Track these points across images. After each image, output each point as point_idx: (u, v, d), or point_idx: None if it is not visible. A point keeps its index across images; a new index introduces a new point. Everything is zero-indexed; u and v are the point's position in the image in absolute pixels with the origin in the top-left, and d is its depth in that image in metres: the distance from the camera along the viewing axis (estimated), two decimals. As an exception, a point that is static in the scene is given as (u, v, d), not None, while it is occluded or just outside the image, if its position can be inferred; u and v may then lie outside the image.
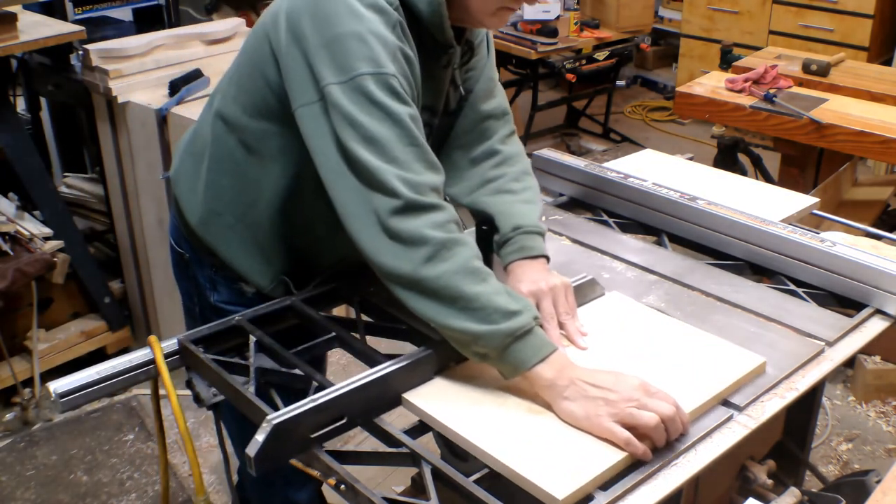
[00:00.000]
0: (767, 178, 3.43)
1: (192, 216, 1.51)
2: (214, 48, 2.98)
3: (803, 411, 1.76)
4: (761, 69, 3.11)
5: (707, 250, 1.75)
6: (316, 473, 1.16)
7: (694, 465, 1.15)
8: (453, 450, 1.24)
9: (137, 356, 1.34)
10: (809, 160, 3.13)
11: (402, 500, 1.11)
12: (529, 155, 1.68)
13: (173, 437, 2.59)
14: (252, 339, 1.38)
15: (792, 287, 1.60)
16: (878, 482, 1.32)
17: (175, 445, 2.64)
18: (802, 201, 1.89)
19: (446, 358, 1.30)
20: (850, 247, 1.58)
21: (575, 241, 1.76)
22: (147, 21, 3.56)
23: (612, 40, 5.03)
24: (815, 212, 1.91)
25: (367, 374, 1.23)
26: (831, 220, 2.04)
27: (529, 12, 4.79)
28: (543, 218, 1.62)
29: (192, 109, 2.58)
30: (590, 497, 1.08)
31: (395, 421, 1.24)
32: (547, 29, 4.76)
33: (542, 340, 1.21)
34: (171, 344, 1.37)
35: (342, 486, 1.13)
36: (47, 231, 2.79)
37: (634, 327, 1.42)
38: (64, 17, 3.16)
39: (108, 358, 1.36)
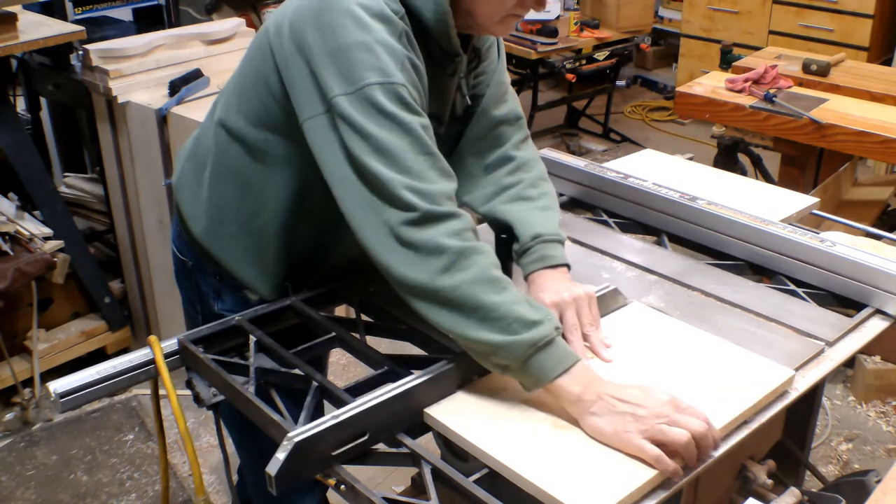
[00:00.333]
0: (767, 178, 3.43)
1: (195, 225, 1.50)
2: (214, 48, 2.97)
3: (803, 411, 1.76)
4: (761, 69, 3.11)
5: (707, 250, 1.75)
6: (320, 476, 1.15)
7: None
8: (453, 450, 1.24)
9: (137, 356, 1.34)
10: (809, 160, 3.13)
11: (402, 500, 1.11)
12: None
13: (173, 437, 2.59)
14: (252, 339, 1.38)
15: (792, 287, 1.60)
16: (878, 482, 1.32)
17: (175, 445, 2.64)
18: (802, 201, 1.89)
19: (469, 371, 1.27)
20: (850, 247, 1.58)
21: (575, 241, 1.76)
22: (147, 21, 3.56)
23: (612, 40, 5.03)
24: (815, 212, 1.91)
25: (389, 389, 1.20)
26: (831, 220, 2.04)
27: (529, 12, 4.79)
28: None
29: (192, 109, 2.58)
30: None
31: (395, 421, 1.24)
32: (547, 29, 4.76)
33: (565, 351, 1.18)
34: (171, 344, 1.37)
35: (342, 487, 1.13)
36: (47, 231, 2.79)
37: (659, 338, 1.38)
38: (64, 17, 3.16)
39: (108, 358, 1.36)
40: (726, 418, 1.19)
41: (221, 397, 1.31)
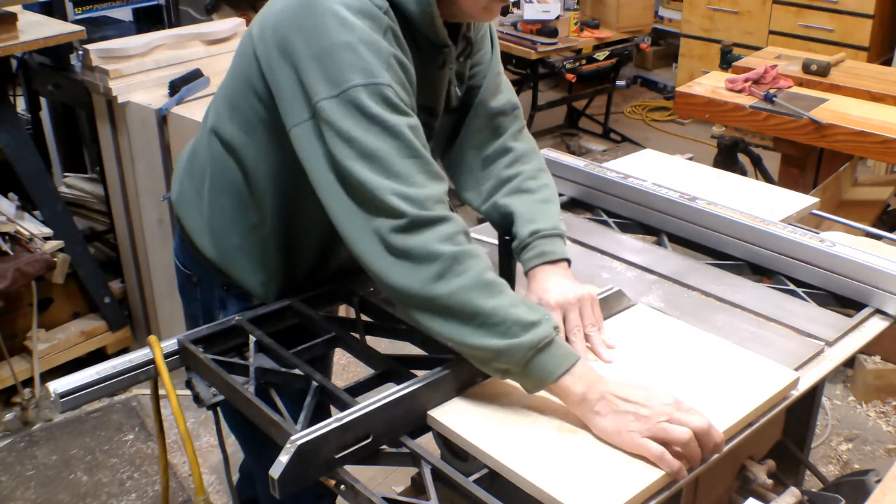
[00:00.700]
0: (767, 178, 3.43)
1: (199, 238, 1.49)
2: (214, 48, 2.97)
3: (803, 411, 1.76)
4: (761, 69, 3.11)
5: (707, 250, 1.75)
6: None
7: (694, 465, 1.15)
8: (453, 450, 1.24)
9: (137, 356, 1.34)
10: (809, 160, 3.13)
11: (402, 500, 1.11)
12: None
13: (173, 437, 2.59)
14: (252, 339, 1.38)
15: (792, 287, 1.60)
16: (878, 482, 1.32)
17: (175, 445, 2.64)
18: (802, 201, 1.89)
19: (473, 374, 1.27)
20: (850, 247, 1.58)
21: (575, 241, 1.76)
22: (147, 21, 3.55)
23: (612, 40, 5.03)
24: (815, 212, 1.91)
25: (392, 392, 1.19)
26: (831, 220, 2.04)
27: (529, 12, 4.79)
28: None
29: (192, 109, 2.58)
30: None
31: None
32: (547, 29, 4.77)
33: (565, 350, 1.17)
34: (171, 344, 1.37)
35: (342, 487, 1.13)
36: (47, 231, 2.79)
37: (664, 340, 1.38)
38: (64, 17, 3.15)
39: (108, 358, 1.36)
40: (730, 421, 1.18)
41: (221, 397, 1.31)
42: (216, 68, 2.82)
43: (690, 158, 2.16)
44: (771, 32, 5.17)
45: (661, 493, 1.10)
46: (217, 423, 1.37)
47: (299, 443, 1.08)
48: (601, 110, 5.40)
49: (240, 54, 1.37)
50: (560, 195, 1.97)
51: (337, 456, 1.13)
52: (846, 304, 1.56)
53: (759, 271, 1.68)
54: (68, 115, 3.50)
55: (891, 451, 2.73)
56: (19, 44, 2.59)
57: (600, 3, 5.17)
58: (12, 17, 2.56)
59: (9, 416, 2.80)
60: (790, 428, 1.76)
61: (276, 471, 1.06)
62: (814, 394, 1.77)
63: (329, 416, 1.15)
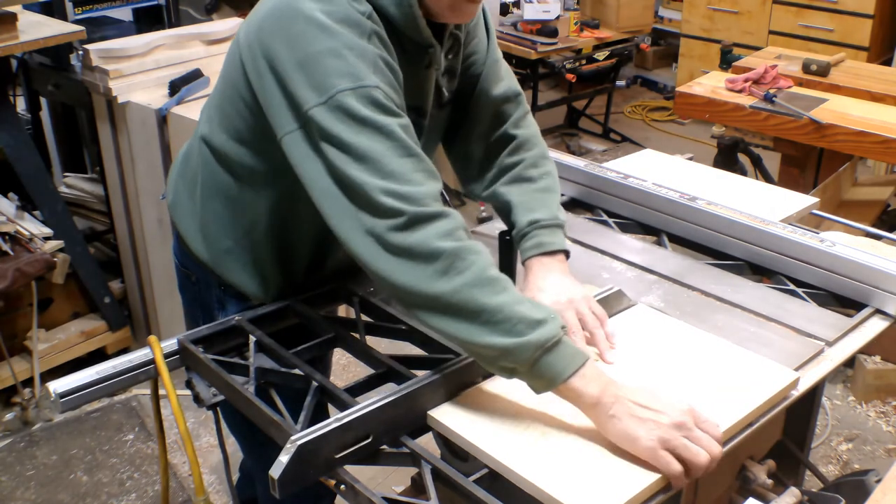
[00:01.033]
0: (767, 178, 3.43)
1: (193, 242, 1.50)
2: (214, 48, 2.97)
3: (803, 411, 1.76)
4: (761, 69, 3.11)
5: (707, 250, 1.75)
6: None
7: (694, 465, 1.15)
8: (453, 450, 1.24)
9: (137, 356, 1.34)
10: (809, 160, 3.13)
11: (402, 500, 1.11)
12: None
13: (173, 437, 2.59)
14: (252, 339, 1.38)
15: (792, 287, 1.60)
16: (878, 482, 1.32)
17: (175, 445, 2.64)
18: (802, 201, 1.89)
19: (473, 374, 1.27)
20: (850, 247, 1.58)
21: (575, 241, 1.76)
22: (147, 21, 3.55)
23: (612, 40, 5.03)
24: (815, 212, 1.91)
25: (392, 392, 1.19)
26: (831, 220, 2.04)
27: (529, 12, 4.79)
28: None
29: (192, 109, 2.58)
30: None
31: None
32: (547, 29, 4.76)
33: (574, 350, 1.15)
34: (171, 344, 1.37)
35: (342, 487, 1.13)
36: (47, 231, 2.79)
37: (663, 340, 1.38)
38: (64, 17, 3.15)
39: (108, 358, 1.36)
40: (730, 421, 1.18)
41: (221, 397, 1.31)
42: (216, 68, 2.78)
43: (690, 158, 2.16)
44: (771, 32, 5.17)
45: (660, 493, 1.10)
46: (217, 423, 1.37)
47: (299, 443, 1.08)
48: (601, 110, 5.40)
49: (228, 62, 1.36)
50: (560, 195, 1.98)
51: (337, 456, 1.13)
52: (846, 304, 1.56)
53: (759, 271, 1.68)
54: (68, 115, 3.50)
55: (891, 451, 2.73)
56: (19, 44, 2.59)
57: (600, 3, 5.17)
58: (12, 17, 2.56)
59: (9, 416, 2.80)
60: (790, 428, 1.76)
61: (276, 471, 1.06)
62: (814, 394, 1.77)
63: (329, 416, 1.15)
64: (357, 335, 1.44)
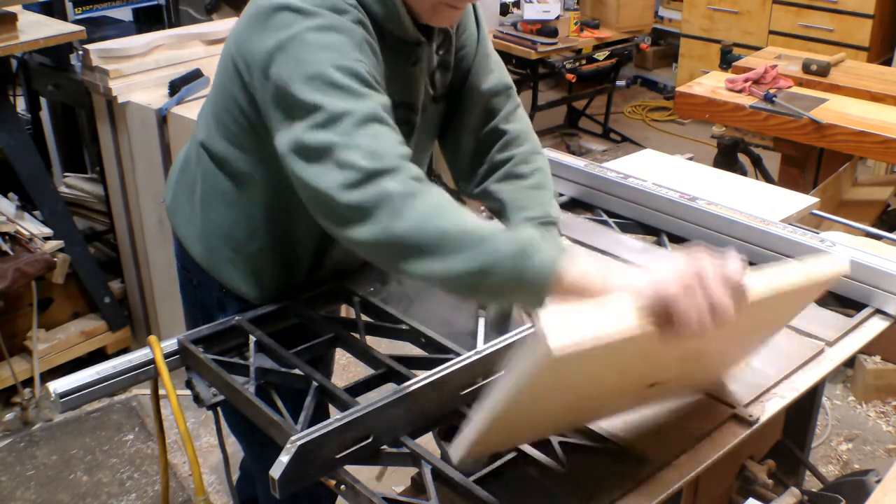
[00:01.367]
0: (767, 178, 3.43)
1: (192, 248, 1.50)
2: (214, 48, 2.97)
3: (803, 411, 1.76)
4: (761, 69, 3.11)
5: (707, 250, 1.74)
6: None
7: (694, 465, 1.15)
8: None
9: (137, 356, 1.34)
10: (809, 160, 3.13)
11: (402, 500, 1.11)
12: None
13: (173, 437, 2.59)
14: (252, 339, 1.38)
15: (792, 287, 1.59)
16: (878, 482, 1.32)
17: (175, 445, 2.64)
18: (802, 201, 1.89)
19: (473, 374, 1.26)
20: (850, 247, 1.58)
21: (575, 241, 1.76)
22: (147, 21, 3.56)
23: (612, 40, 5.03)
24: (815, 212, 1.91)
25: (392, 392, 1.19)
26: (831, 220, 2.04)
27: (529, 12, 4.79)
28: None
29: (192, 109, 2.58)
30: None
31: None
32: (547, 29, 4.76)
33: (556, 239, 1.07)
34: (171, 344, 1.37)
35: (342, 487, 1.13)
36: (47, 231, 2.79)
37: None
38: (64, 17, 3.16)
39: (108, 358, 1.36)
40: (763, 286, 1.03)
41: (221, 397, 1.31)
42: (216, 68, 2.82)
43: (690, 158, 2.16)
44: (771, 32, 5.17)
45: (657, 490, 1.09)
46: (217, 423, 1.37)
47: (300, 443, 1.08)
48: (601, 110, 5.40)
49: (221, 68, 1.36)
50: (560, 195, 1.98)
51: (337, 456, 1.13)
52: (846, 304, 1.56)
53: (759, 271, 1.67)
54: (68, 115, 3.50)
55: (891, 451, 2.73)
56: (19, 44, 2.58)
57: (600, 3, 5.17)
58: (12, 17, 2.56)
59: (9, 416, 2.80)
60: (790, 428, 1.76)
61: (276, 471, 1.07)
62: (814, 394, 1.77)
63: (329, 416, 1.15)
64: (357, 335, 1.44)
